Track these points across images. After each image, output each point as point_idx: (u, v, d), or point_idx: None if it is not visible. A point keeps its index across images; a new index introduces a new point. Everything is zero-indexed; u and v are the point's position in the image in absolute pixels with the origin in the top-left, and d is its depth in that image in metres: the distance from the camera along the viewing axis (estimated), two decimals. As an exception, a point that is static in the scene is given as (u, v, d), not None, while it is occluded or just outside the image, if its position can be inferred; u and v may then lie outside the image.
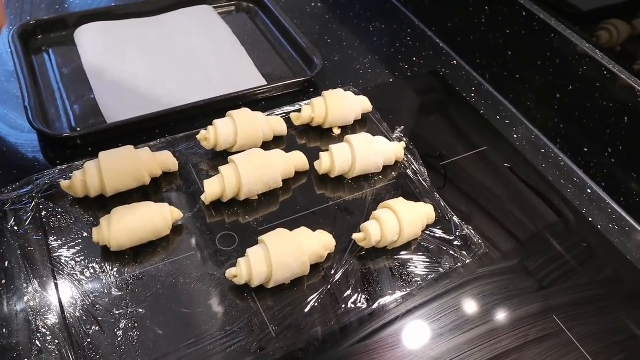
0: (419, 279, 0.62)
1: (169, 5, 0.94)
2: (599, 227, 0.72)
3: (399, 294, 0.60)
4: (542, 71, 0.81)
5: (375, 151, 0.70)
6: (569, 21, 0.77)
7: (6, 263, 0.58)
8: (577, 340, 0.59)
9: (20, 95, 0.74)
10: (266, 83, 0.82)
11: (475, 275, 0.63)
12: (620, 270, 0.67)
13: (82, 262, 0.59)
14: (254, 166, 0.64)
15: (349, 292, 0.59)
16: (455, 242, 0.66)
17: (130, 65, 0.82)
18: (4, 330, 0.53)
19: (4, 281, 0.57)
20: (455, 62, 0.96)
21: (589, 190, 0.77)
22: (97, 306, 0.56)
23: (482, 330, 0.58)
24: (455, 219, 0.68)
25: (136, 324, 0.55)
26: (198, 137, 0.70)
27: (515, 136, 0.83)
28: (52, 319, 0.54)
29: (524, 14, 0.81)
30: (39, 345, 0.52)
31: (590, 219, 0.72)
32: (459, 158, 0.78)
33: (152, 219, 0.59)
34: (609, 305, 0.63)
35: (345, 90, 0.79)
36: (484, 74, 0.92)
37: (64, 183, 0.63)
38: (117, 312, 0.55)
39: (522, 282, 0.63)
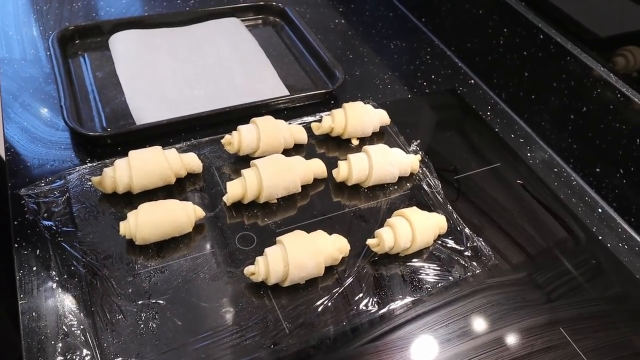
0: (429, 286, 0.64)
1: (199, 16, 0.99)
2: (609, 245, 0.73)
3: (409, 299, 0.62)
4: (557, 93, 0.83)
5: (391, 162, 0.72)
6: (585, 46, 0.80)
7: (37, 251, 0.61)
8: (583, 352, 0.60)
9: (56, 96, 0.78)
10: (289, 93, 0.85)
11: (484, 285, 0.65)
12: (628, 288, 0.69)
13: (108, 254, 0.62)
14: (275, 171, 0.67)
15: (360, 295, 0.62)
16: (466, 253, 0.68)
17: (160, 72, 0.86)
18: (34, 313, 0.56)
19: (34, 268, 0.60)
20: (472, 81, 0.98)
21: (599, 210, 0.78)
22: (121, 296, 0.58)
23: (489, 338, 0.60)
24: (467, 230, 0.70)
25: (157, 315, 0.57)
26: (222, 141, 0.73)
27: (528, 155, 0.85)
28: (78, 305, 0.57)
29: (541, 37, 0.83)
30: (65, 330, 0.55)
31: (600, 237, 0.74)
32: (472, 173, 0.80)
33: (177, 215, 0.62)
34: (615, 321, 0.64)
35: (365, 103, 0.81)
36: (500, 94, 0.95)
37: (94, 179, 0.66)
38: (139, 303, 0.58)
39: (530, 294, 0.65)
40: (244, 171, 0.68)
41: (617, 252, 0.72)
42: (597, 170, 0.80)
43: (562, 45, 0.81)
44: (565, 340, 0.61)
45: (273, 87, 0.86)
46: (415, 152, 0.79)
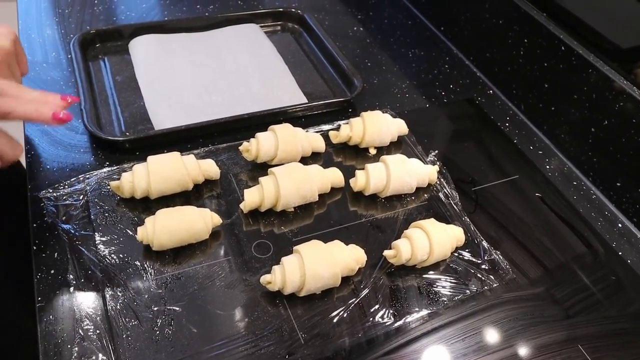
0: (445, 299, 0.63)
1: (218, 22, 0.99)
2: (629, 261, 0.72)
3: (425, 312, 0.62)
4: (578, 105, 0.82)
5: (409, 172, 0.72)
6: (607, 57, 0.79)
7: (55, 254, 0.62)
8: (602, 371, 0.59)
9: (76, 99, 0.79)
10: (307, 101, 0.85)
11: (501, 299, 0.64)
12: (649, 306, 0.68)
13: (125, 259, 0.62)
14: (292, 179, 0.67)
15: (376, 307, 0.61)
16: (483, 266, 0.67)
17: (179, 77, 0.87)
18: (51, 316, 0.56)
19: (52, 271, 0.60)
20: (491, 91, 0.98)
21: (619, 225, 0.77)
22: (137, 301, 0.59)
23: (506, 354, 0.59)
24: (484, 243, 0.69)
25: (172, 321, 0.57)
26: (240, 148, 0.73)
27: (547, 167, 0.84)
28: (95, 310, 0.57)
29: (563, 48, 0.82)
30: (82, 334, 0.55)
31: (620, 253, 0.73)
32: (490, 185, 0.79)
33: (194, 222, 0.62)
34: (636, 340, 0.63)
35: (383, 112, 0.81)
36: (519, 105, 0.94)
37: (113, 183, 0.67)
38: (155, 309, 0.58)
39: (548, 310, 0.64)
40: (261, 179, 0.68)
41: (638, 268, 0.71)
42: (618, 184, 0.79)
43: (584, 57, 0.80)
44: (584, 358, 0.60)
45: (291, 94, 0.86)
46: (433, 163, 0.78)
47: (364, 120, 0.77)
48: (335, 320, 0.59)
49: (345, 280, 0.63)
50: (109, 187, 0.68)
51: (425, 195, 0.75)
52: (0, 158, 0.55)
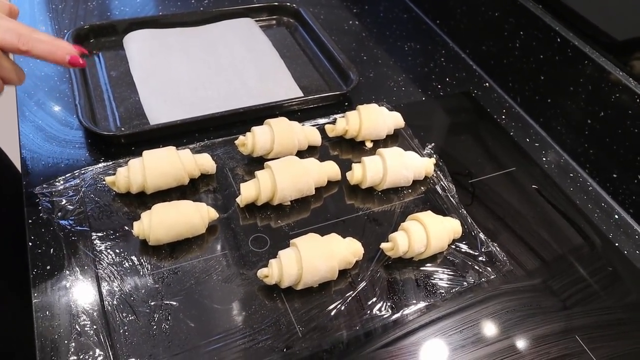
0: (443, 291, 0.63)
1: (213, 16, 0.98)
2: (625, 252, 0.72)
3: (422, 304, 0.62)
4: (574, 97, 0.82)
5: (406, 165, 0.72)
6: (603, 49, 0.79)
7: (51, 250, 0.61)
8: (599, 362, 0.59)
9: (71, 95, 0.79)
10: (303, 95, 0.85)
11: (498, 291, 0.64)
12: (645, 296, 0.68)
13: (121, 254, 0.62)
14: (289, 173, 0.67)
15: (374, 299, 0.61)
16: (480, 258, 0.67)
17: (174, 71, 0.86)
18: (47, 312, 0.56)
19: (48, 267, 0.60)
20: (487, 84, 0.97)
21: (616, 216, 0.77)
22: (134, 296, 0.58)
23: (504, 345, 0.59)
24: (482, 235, 0.69)
25: (170, 316, 0.57)
26: (236, 142, 0.73)
27: (544, 159, 0.84)
28: (92, 305, 0.57)
29: (559, 40, 0.82)
30: (78, 329, 0.55)
31: (616, 244, 0.73)
32: (487, 177, 0.79)
33: (190, 217, 0.62)
34: (632, 330, 0.63)
35: (379, 105, 0.81)
36: (515, 97, 0.94)
37: (108, 178, 0.66)
38: (152, 303, 0.58)
39: (545, 301, 0.64)
40: (257, 173, 0.68)
41: (634, 259, 0.71)
42: (614, 176, 0.79)
43: (580, 48, 0.80)
44: (581, 348, 0.60)
45: (287, 88, 0.86)
46: (430, 156, 0.78)
47: (360, 114, 0.77)
48: (332, 314, 0.59)
49: (343, 273, 0.63)
50: (104, 182, 0.68)
51: (422, 188, 0.75)
52: (5, 81, 0.57)
